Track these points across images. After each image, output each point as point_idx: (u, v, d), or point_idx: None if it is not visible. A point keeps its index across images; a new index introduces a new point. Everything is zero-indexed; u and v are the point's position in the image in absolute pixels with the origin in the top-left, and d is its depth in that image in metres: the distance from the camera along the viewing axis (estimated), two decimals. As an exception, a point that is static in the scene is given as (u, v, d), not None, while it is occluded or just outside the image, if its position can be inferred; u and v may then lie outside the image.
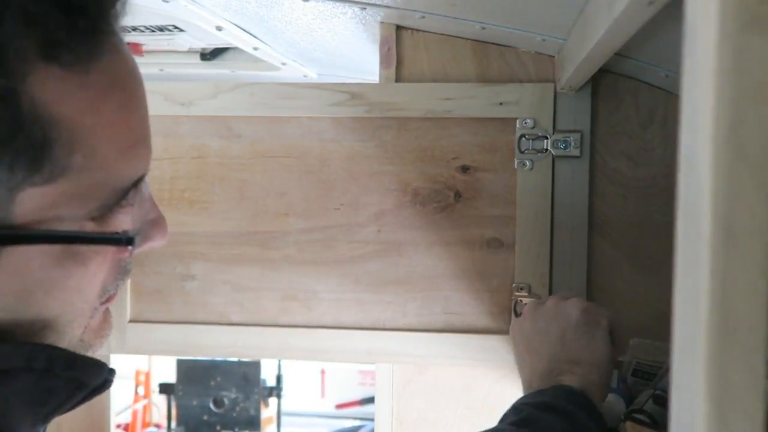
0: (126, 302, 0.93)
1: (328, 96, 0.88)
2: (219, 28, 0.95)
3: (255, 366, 3.24)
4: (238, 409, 3.22)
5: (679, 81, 0.27)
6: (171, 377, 3.35)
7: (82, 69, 0.38)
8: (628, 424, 0.71)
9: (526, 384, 0.74)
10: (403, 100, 0.87)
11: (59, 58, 0.37)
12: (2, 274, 0.40)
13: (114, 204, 0.42)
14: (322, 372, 5.09)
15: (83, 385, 0.44)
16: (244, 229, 0.92)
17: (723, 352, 0.24)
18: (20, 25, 0.35)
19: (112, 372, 0.47)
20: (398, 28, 0.89)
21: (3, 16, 0.35)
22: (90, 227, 0.41)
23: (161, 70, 1.23)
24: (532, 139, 0.85)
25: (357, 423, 4.43)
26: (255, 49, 1.06)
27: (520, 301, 0.86)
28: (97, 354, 0.48)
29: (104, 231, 0.42)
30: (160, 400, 3.86)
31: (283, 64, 1.19)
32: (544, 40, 0.82)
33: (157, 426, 4.05)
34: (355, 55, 1.12)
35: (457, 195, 0.88)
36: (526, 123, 0.85)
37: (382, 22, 0.89)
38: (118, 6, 0.40)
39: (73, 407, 0.45)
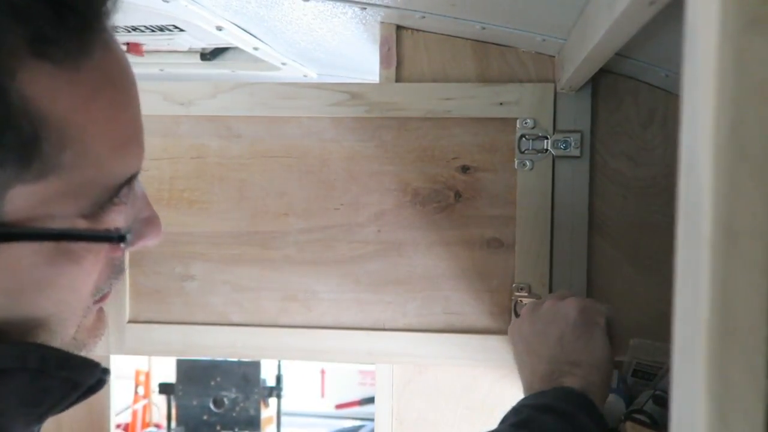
0: (125, 302, 0.93)
1: (328, 96, 0.88)
2: (219, 28, 0.95)
3: (255, 366, 3.24)
4: (238, 409, 3.22)
5: (679, 81, 0.27)
6: (171, 377, 3.35)
7: (73, 65, 0.38)
8: (628, 424, 0.71)
9: (527, 385, 0.74)
10: (403, 100, 0.87)
11: (49, 54, 0.37)
12: None
13: (106, 202, 0.42)
14: (322, 372, 5.09)
15: (77, 385, 0.44)
16: (243, 229, 0.92)
17: (723, 352, 0.24)
18: (9, 21, 0.35)
19: (106, 371, 0.47)
20: (398, 28, 0.89)
21: None
22: (82, 225, 0.41)
23: (161, 70, 1.23)
24: (533, 139, 0.85)
25: (357, 423, 4.43)
26: (255, 49, 1.07)
27: (520, 301, 0.86)
28: (97, 354, 0.48)
29: (96, 228, 0.42)
30: (160, 400, 3.86)
31: (283, 64, 1.19)
32: (544, 40, 0.82)
33: (157, 426, 4.06)
34: (355, 55, 1.12)
35: (457, 195, 0.88)
36: (526, 123, 0.85)
37: (382, 22, 0.89)
38: (109, 3, 0.39)
39: (67, 407, 0.45)
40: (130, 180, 0.43)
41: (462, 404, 0.93)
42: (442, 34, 0.88)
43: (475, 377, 0.92)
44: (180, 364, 3.22)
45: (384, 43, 0.89)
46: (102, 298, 0.47)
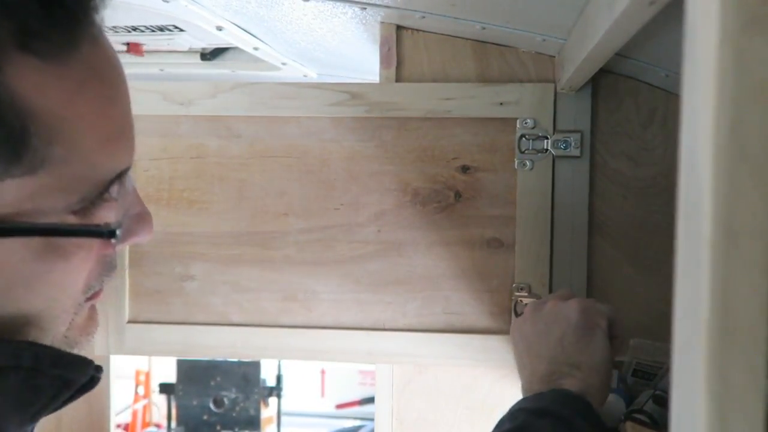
0: (125, 303, 0.93)
1: (328, 96, 0.88)
2: (219, 28, 0.95)
3: (255, 366, 3.24)
4: (238, 409, 3.22)
5: (679, 81, 0.27)
6: (171, 377, 3.35)
7: (60, 60, 0.38)
8: (628, 424, 0.71)
9: (526, 385, 0.74)
10: (403, 100, 0.87)
11: (36, 48, 0.36)
12: None
13: (96, 197, 0.42)
14: (322, 372, 5.10)
15: (70, 383, 0.44)
16: (243, 229, 0.92)
17: (723, 352, 0.24)
18: None
19: (99, 369, 0.46)
20: (398, 28, 0.89)
21: None
22: (72, 220, 0.41)
23: (161, 70, 1.23)
24: (533, 139, 0.85)
25: (357, 423, 4.44)
26: (255, 49, 1.07)
27: (520, 301, 0.86)
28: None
29: (86, 224, 0.42)
30: (160, 400, 3.87)
31: (284, 64, 1.19)
32: (544, 40, 0.82)
33: (157, 426, 4.06)
34: (355, 55, 1.12)
35: (457, 195, 0.88)
36: (526, 123, 0.85)
37: (382, 22, 0.89)
38: None
39: (60, 406, 0.45)
40: (120, 176, 0.43)
41: (462, 404, 0.93)
42: (442, 34, 0.88)
43: (475, 377, 0.92)
44: (180, 364, 3.22)
45: (384, 43, 0.89)
46: (94, 296, 0.47)
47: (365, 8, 0.84)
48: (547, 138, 0.85)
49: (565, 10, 0.70)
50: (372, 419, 3.34)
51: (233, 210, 0.92)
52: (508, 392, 0.90)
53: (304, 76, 1.31)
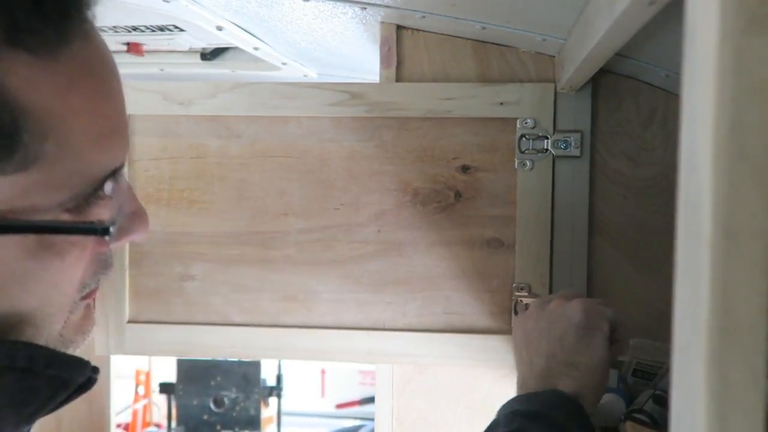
0: (125, 303, 0.93)
1: (328, 96, 0.88)
2: (219, 28, 0.95)
3: (255, 366, 3.24)
4: (238, 408, 3.22)
5: (679, 81, 0.27)
6: (171, 377, 3.35)
7: (51, 55, 0.37)
8: (628, 424, 0.71)
9: (522, 381, 0.74)
10: (403, 100, 0.87)
11: (26, 43, 0.36)
12: None
13: (90, 195, 0.41)
14: (322, 372, 5.09)
15: (66, 384, 0.44)
16: (243, 229, 0.92)
17: (723, 352, 0.24)
18: None
19: (96, 370, 0.46)
20: (398, 28, 0.89)
21: None
22: (65, 218, 0.40)
23: (161, 70, 1.23)
24: (533, 139, 0.85)
25: (357, 423, 4.43)
26: (255, 49, 1.07)
27: (520, 301, 0.86)
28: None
29: (79, 221, 0.41)
30: (160, 400, 3.87)
31: (284, 64, 1.19)
32: (544, 40, 0.82)
33: (158, 426, 4.06)
34: (356, 55, 1.12)
35: (458, 195, 0.88)
36: (526, 123, 0.85)
37: (382, 22, 0.89)
38: None
39: (57, 407, 0.44)
40: (114, 173, 0.43)
41: (462, 404, 0.93)
42: (443, 34, 0.89)
43: (475, 377, 0.92)
44: (180, 363, 3.22)
45: (384, 43, 0.89)
46: (89, 294, 0.47)
47: (365, 8, 0.84)
48: (547, 138, 0.85)
49: (565, 10, 0.70)
50: (372, 419, 3.34)
51: (233, 210, 0.92)
52: (507, 392, 0.90)
53: (304, 76, 1.31)
